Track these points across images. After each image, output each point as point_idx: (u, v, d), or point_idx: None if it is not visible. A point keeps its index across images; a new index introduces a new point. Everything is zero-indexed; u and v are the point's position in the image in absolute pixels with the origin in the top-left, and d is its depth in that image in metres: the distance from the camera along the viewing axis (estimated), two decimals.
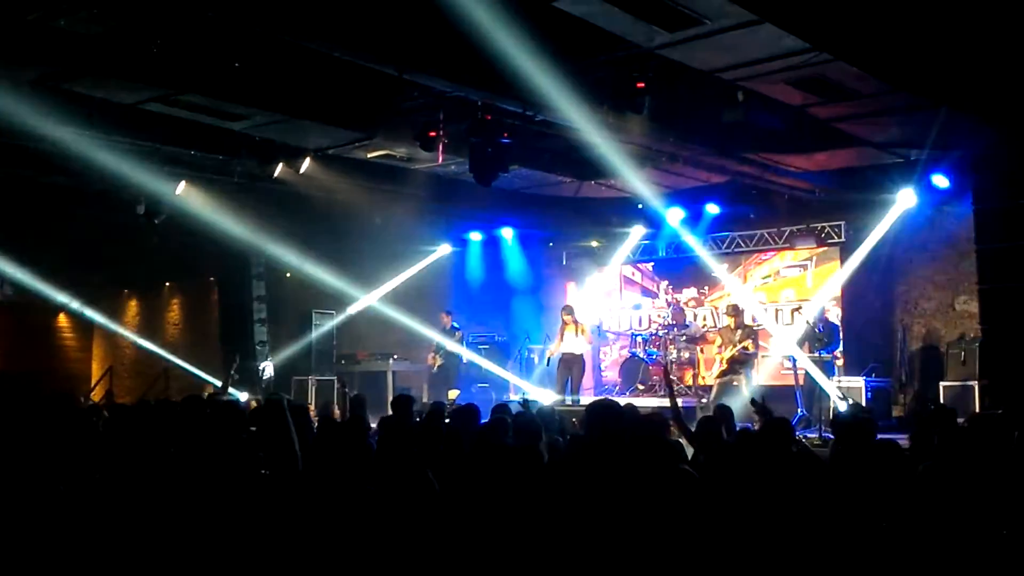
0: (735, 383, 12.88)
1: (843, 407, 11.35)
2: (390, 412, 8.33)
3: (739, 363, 12.97)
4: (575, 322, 13.96)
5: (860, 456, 4.84)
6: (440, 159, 10.67)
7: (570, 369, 13.86)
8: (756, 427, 7.24)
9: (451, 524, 3.98)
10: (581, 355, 13.98)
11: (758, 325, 14.46)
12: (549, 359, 14.51)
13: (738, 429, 7.02)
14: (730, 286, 15.58)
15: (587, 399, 13.45)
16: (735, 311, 13.52)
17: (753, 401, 7.69)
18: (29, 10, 7.86)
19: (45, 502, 4.03)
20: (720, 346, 13.32)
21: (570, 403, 13.04)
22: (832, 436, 7.26)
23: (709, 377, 14.22)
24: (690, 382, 15.09)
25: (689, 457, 6.31)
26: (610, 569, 3.83)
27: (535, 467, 4.46)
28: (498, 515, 3.98)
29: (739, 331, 13.09)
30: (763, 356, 15.08)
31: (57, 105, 9.67)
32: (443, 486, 4.43)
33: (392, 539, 3.87)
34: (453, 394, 14.22)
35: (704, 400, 13.43)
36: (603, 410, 5.23)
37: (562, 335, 14.01)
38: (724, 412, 7.48)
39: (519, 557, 3.84)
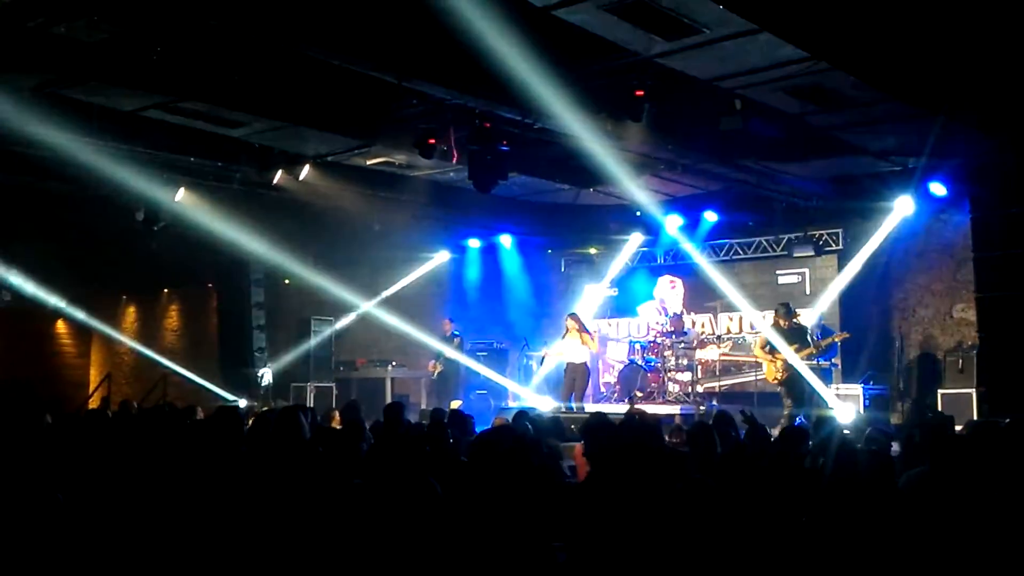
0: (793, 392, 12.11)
1: (850, 413, 11.22)
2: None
3: (795, 373, 12.18)
4: (579, 330, 13.87)
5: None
6: (455, 159, 10.59)
7: (572, 378, 13.82)
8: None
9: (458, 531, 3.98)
10: (582, 363, 13.92)
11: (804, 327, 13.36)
12: (543, 359, 14.47)
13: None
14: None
15: (589, 406, 13.47)
16: (787, 311, 12.77)
17: (742, 412, 7.75)
18: (29, 17, 7.88)
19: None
20: (763, 345, 12.66)
21: (568, 411, 13.02)
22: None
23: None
24: (688, 390, 15.09)
25: None
26: None
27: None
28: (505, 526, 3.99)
29: (793, 334, 12.38)
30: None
31: (57, 112, 9.68)
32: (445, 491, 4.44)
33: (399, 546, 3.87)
34: (455, 404, 14.17)
35: (703, 408, 13.42)
36: (597, 427, 5.27)
37: (564, 341, 13.96)
38: (722, 419, 7.49)
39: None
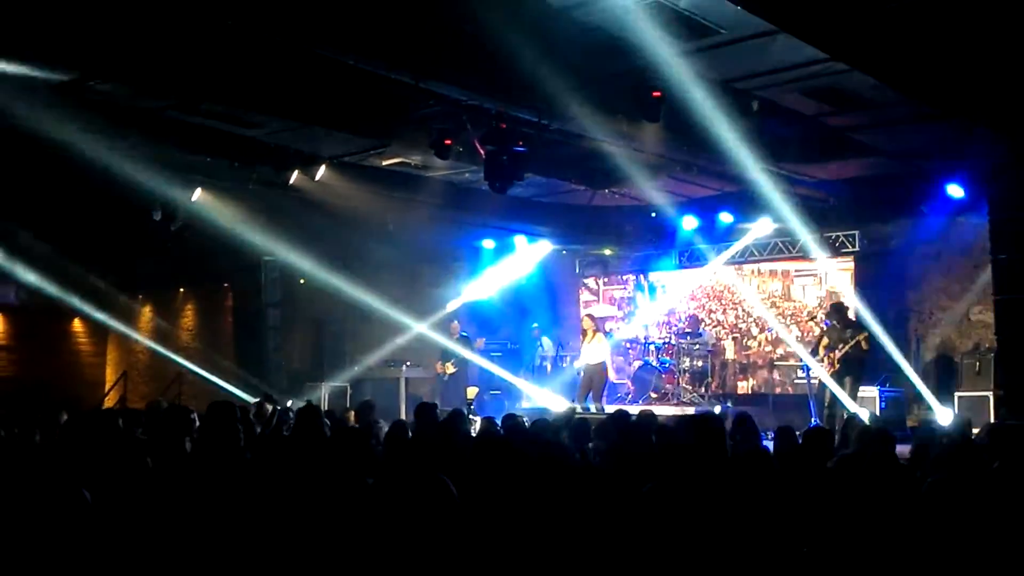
0: (845, 388, 12.08)
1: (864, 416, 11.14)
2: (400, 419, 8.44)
3: (851, 362, 12.11)
4: (595, 330, 13.91)
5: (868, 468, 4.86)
6: (481, 153, 10.56)
7: (591, 378, 13.82)
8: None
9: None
10: (600, 363, 13.91)
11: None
12: (568, 361, 14.48)
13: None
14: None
15: (607, 407, 13.45)
16: (839, 310, 12.75)
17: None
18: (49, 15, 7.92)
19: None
20: (826, 347, 12.51)
21: (593, 411, 12.99)
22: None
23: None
24: (703, 391, 15.06)
25: None
26: None
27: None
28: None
29: (848, 329, 12.31)
30: (779, 363, 15.10)
31: (76, 111, 9.73)
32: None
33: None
34: (472, 392, 14.16)
35: (718, 410, 13.39)
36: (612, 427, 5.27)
37: (583, 343, 13.98)
38: (741, 419, 7.43)
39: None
